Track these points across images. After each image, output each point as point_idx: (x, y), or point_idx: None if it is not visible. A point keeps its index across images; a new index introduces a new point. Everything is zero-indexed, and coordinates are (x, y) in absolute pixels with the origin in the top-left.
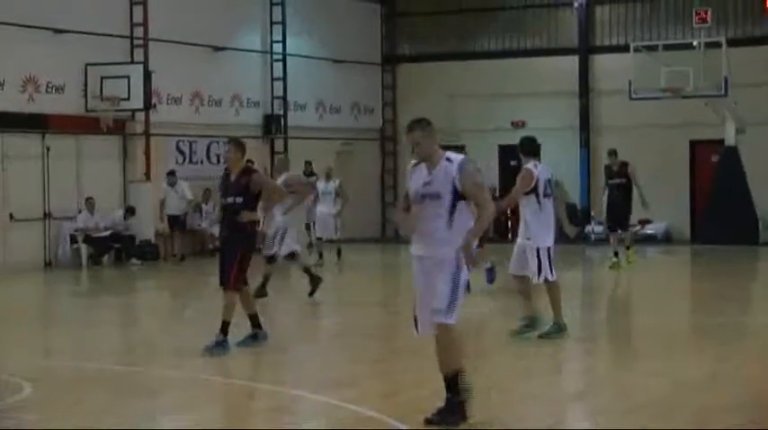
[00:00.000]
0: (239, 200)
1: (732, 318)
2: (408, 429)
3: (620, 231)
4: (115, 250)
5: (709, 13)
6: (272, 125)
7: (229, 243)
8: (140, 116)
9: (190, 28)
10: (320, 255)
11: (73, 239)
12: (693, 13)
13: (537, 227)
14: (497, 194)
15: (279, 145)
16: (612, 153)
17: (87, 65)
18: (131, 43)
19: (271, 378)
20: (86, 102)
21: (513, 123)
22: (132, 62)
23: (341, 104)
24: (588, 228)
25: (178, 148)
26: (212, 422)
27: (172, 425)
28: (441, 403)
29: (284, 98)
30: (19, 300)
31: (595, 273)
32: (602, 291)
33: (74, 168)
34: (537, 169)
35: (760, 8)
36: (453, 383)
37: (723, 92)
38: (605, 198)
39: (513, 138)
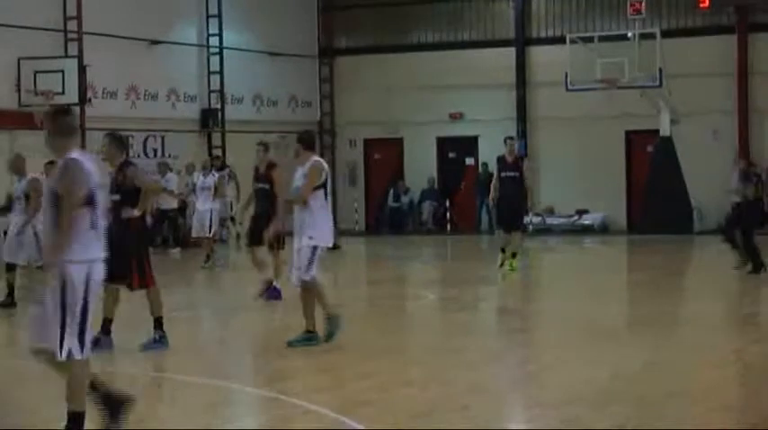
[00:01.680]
0: (116, 197)
1: (668, 307)
2: (359, 427)
3: (512, 232)
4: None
5: (643, 4)
6: (210, 119)
7: (120, 241)
8: (75, 110)
9: (125, 21)
10: (208, 257)
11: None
12: (628, 5)
13: (322, 224)
14: (436, 186)
15: (216, 139)
16: (511, 139)
17: (20, 59)
18: (65, 37)
19: (207, 372)
20: (20, 96)
21: (450, 115)
22: (67, 56)
23: (278, 98)
24: (526, 219)
25: None
26: (152, 418)
27: None
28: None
29: (221, 92)
30: None
31: (531, 264)
32: (538, 282)
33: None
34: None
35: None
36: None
37: (658, 82)
38: (495, 192)
39: (452, 131)
